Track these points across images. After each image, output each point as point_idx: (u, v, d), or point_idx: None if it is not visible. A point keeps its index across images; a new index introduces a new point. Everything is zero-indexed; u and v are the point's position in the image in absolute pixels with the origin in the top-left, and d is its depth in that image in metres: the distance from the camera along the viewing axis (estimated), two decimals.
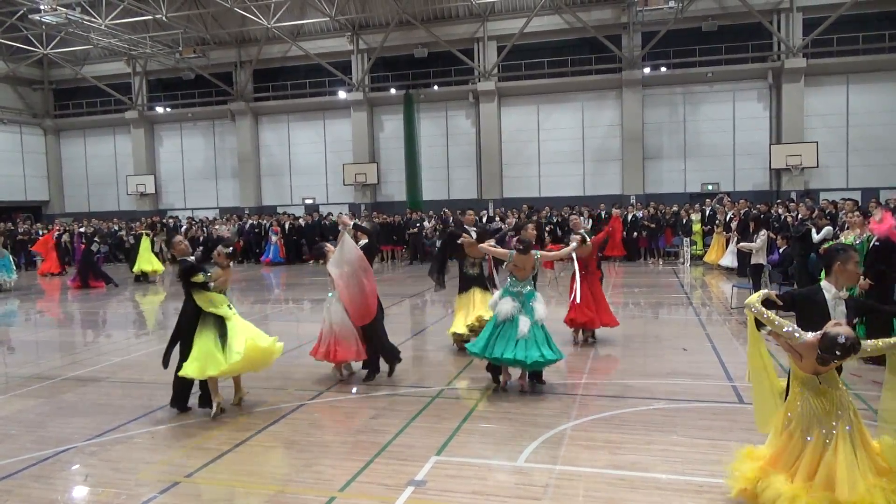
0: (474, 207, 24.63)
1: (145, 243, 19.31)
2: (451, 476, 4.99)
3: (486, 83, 26.57)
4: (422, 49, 27.31)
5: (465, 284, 8.82)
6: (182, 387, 6.61)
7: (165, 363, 6.56)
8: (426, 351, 9.21)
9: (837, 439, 3.90)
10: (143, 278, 19.01)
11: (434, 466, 5.15)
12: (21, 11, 24.82)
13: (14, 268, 18.34)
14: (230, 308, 6.56)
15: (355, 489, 4.82)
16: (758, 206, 17.91)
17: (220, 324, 6.43)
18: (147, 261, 19.06)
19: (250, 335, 6.48)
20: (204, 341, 6.35)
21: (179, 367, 6.41)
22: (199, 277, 6.36)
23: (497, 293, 7.33)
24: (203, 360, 6.27)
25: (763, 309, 4.14)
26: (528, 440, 5.64)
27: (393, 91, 27.98)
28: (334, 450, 5.59)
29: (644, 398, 6.82)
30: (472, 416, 6.36)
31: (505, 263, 7.27)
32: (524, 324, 6.81)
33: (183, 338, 6.49)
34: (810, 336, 3.93)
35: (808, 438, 3.98)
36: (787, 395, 4.25)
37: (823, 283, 4.45)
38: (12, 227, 24.96)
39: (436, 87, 27.72)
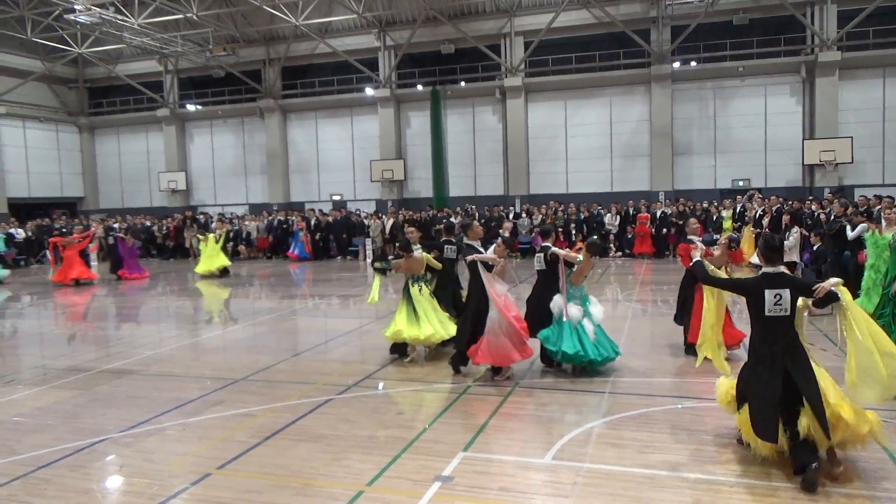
0: (500, 203, 24.76)
1: (212, 243, 18.99)
2: (479, 472, 4.99)
3: (512, 79, 26.47)
4: (448, 45, 27.29)
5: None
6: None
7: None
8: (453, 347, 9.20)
9: None
10: (224, 273, 18.91)
11: (461, 462, 5.16)
12: (57, 12, 25.35)
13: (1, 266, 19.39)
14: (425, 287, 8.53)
15: (383, 484, 4.86)
16: (790, 202, 17.59)
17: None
18: (216, 259, 18.77)
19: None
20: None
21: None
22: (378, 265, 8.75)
23: (560, 297, 7.53)
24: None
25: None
26: (555, 437, 5.62)
27: (420, 87, 28.02)
28: (362, 444, 5.63)
29: (673, 397, 6.76)
30: (499, 413, 6.36)
31: (574, 266, 7.49)
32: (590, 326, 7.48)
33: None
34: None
35: None
36: None
37: None
38: (48, 223, 25.53)
39: (462, 84, 27.69)
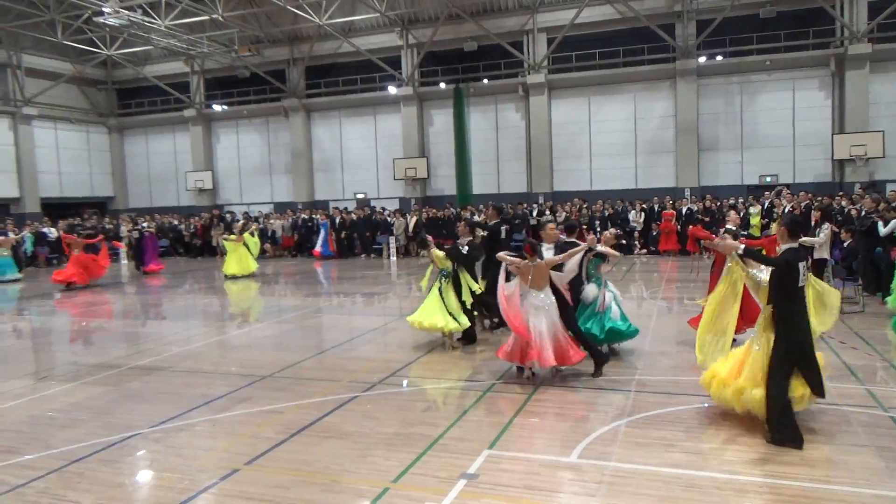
0: (524, 201, 24.65)
1: (250, 241, 19.00)
2: (504, 470, 5.00)
3: (535, 76, 26.35)
4: (471, 42, 27.26)
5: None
6: None
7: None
8: (479, 344, 9.21)
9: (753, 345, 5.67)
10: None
11: (486, 460, 5.17)
12: (86, 15, 25.79)
13: (16, 267, 19.72)
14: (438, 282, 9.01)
15: (408, 481, 4.88)
16: (819, 198, 17.26)
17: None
18: (247, 263, 18.74)
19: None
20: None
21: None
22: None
23: (593, 286, 8.06)
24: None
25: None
26: (581, 436, 5.60)
27: (442, 85, 28.03)
28: (387, 441, 5.67)
29: (699, 395, 6.68)
30: (524, 411, 6.36)
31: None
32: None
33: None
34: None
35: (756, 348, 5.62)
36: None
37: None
38: (79, 222, 26.02)
39: (485, 81, 27.63)
